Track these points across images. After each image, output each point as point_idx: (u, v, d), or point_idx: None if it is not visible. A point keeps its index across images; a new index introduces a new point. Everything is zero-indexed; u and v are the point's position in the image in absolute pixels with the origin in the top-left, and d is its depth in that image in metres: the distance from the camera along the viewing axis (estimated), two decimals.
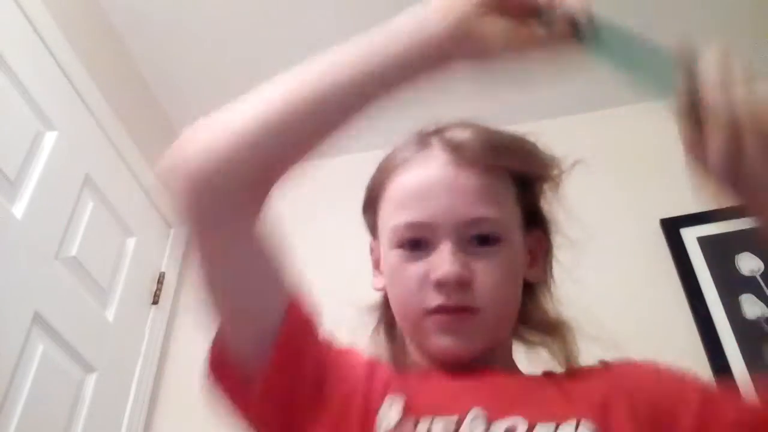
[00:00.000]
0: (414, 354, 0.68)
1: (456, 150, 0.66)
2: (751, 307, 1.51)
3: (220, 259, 0.59)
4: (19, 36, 1.46)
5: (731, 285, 1.55)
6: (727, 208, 0.50)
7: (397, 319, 0.69)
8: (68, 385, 1.42)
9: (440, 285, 0.61)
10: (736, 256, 1.59)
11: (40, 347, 1.33)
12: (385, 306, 0.73)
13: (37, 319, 1.33)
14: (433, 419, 0.56)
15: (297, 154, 0.57)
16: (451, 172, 0.65)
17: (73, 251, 1.49)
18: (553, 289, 0.73)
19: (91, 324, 1.53)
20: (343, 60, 0.55)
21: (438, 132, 0.69)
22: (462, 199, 0.63)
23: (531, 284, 0.71)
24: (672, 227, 1.67)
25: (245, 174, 0.55)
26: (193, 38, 1.85)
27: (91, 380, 1.48)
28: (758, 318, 1.49)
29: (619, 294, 1.61)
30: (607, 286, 1.63)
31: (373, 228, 0.73)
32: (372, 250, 0.74)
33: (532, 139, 0.70)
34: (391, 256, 0.66)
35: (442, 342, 0.62)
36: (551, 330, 0.72)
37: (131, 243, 1.75)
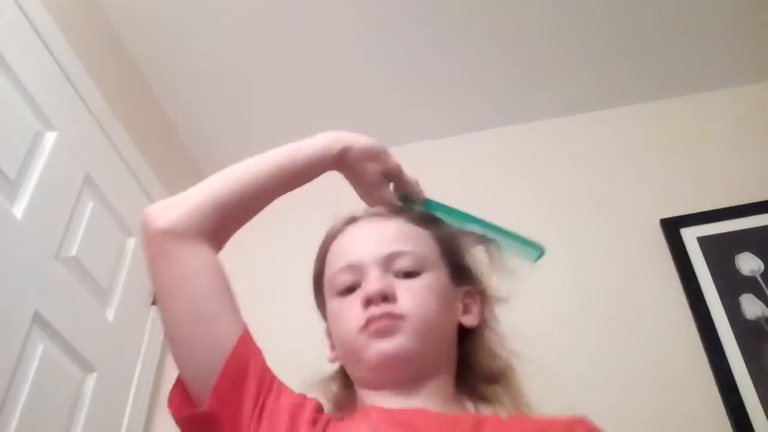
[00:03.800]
0: (361, 393, 0.74)
1: (379, 213, 0.82)
2: (751, 307, 1.51)
3: (183, 285, 0.71)
4: (19, 36, 1.46)
5: (731, 285, 1.55)
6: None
7: (342, 356, 0.76)
8: (68, 385, 1.41)
9: (368, 302, 0.70)
10: (736, 256, 1.59)
11: (40, 347, 1.33)
12: (339, 375, 0.80)
13: (37, 319, 1.33)
14: None
15: (239, 216, 0.76)
16: (374, 224, 0.80)
17: (73, 251, 1.49)
18: (494, 336, 0.80)
19: (91, 324, 1.52)
20: (263, 161, 0.77)
21: (364, 212, 0.84)
22: (382, 240, 0.76)
23: (470, 333, 0.78)
24: (672, 227, 1.67)
25: (204, 224, 0.72)
26: (194, 38, 1.85)
27: (91, 380, 1.48)
28: (758, 318, 1.49)
29: (619, 294, 1.61)
30: (607, 286, 1.63)
31: (323, 310, 0.81)
32: (328, 334, 0.81)
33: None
34: (334, 304, 0.76)
35: (377, 347, 0.69)
36: (495, 377, 0.77)
37: (131, 243, 1.75)
